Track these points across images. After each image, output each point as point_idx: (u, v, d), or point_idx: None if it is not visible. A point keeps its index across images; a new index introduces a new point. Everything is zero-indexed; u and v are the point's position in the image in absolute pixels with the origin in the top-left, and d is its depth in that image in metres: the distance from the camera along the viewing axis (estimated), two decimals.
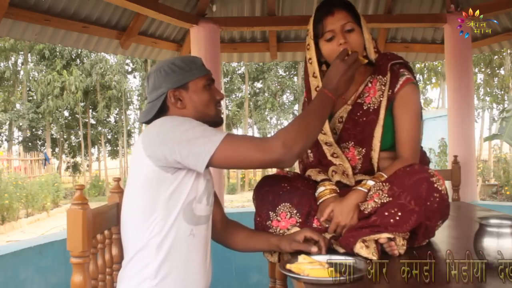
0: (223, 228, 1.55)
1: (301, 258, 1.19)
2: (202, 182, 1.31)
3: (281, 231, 1.45)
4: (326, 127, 1.52)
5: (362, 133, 1.49)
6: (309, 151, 1.63)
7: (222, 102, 1.47)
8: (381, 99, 1.46)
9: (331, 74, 1.32)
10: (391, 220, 1.25)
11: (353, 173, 1.52)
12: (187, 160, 1.19)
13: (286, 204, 1.46)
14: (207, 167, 1.20)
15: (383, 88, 1.47)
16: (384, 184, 1.33)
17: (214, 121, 1.39)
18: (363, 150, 1.50)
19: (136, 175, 1.28)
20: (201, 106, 1.35)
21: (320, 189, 1.47)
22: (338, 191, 1.47)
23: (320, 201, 1.45)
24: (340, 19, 1.44)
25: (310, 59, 1.52)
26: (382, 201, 1.30)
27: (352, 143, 1.52)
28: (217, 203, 1.54)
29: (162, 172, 1.23)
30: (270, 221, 1.46)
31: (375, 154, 1.48)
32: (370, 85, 1.50)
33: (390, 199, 1.28)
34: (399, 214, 1.25)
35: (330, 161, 1.54)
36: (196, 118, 1.32)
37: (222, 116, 1.44)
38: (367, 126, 1.47)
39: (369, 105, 1.49)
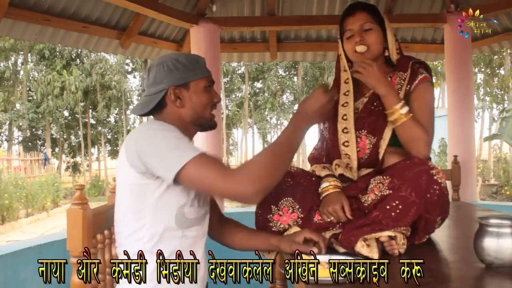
0: (220, 227, 1.54)
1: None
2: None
3: (281, 226, 1.46)
4: (350, 112, 1.57)
5: (376, 122, 1.53)
6: (317, 149, 1.69)
7: (219, 105, 1.47)
8: (399, 92, 1.52)
9: (311, 102, 1.28)
10: (392, 214, 1.27)
11: (358, 164, 1.54)
12: (157, 170, 1.17)
13: (288, 198, 1.48)
14: (175, 181, 1.16)
15: (402, 82, 1.54)
16: (384, 177, 1.36)
17: (209, 125, 1.38)
18: (374, 139, 1.53)
19: (122, 182, 1.28)
20: (199, 108, 1.34)
21: (324, 184, 1.49)
22: (342, 187, 1.48)
23: (323, 195, 1.46)
24: (360, 19, 1.55)
25: (340, 55, 1.65)
26: (383, 193, 1.32)
27: (365, 131, 1.55)
28: (213, 202, 1.53)
29: (144, 178, 1.21)
30: (271, 215, 1.48)
31: (383, 143, 1.50)
32: (389, 79, 1.56)
33: (390, 191, 1.30)
34: (400, 207, 1.27)
35: (338, 152, 1.57)
36: (192, 119, 1.33)
37: (215, 120, 1.41)
38: (381, 115, 1.51)
39: None
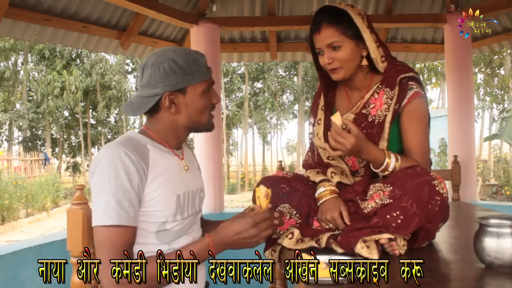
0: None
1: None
2: (171, 202, 1.25)
3: (280, 232, 1.45)
4: (320, 131, 1.53)
5: None
6: (309, 153, 1.66)
7: (218, 105, 1.40)
8: (387, 113, 1.45)
9: (235, 228, 1.21)
10: (393, 224, 1.25)
11: (356, 175, 1.52)
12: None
13: (285, 205, 1.46)
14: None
15: (390, 102, 1.45)
16: (385, 185, 1.33)
17: (206, 129, 1.34)
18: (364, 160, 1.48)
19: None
20: (195, 114, 1.27)
21: (320, 190, 1.47)
22: (338, 191, 1.47)
23: (320, 202, 1.45)
24: (326, 36, 1.43)
25: (316, 66, 1.58)
26: (383, 202, 1.30)
27: None
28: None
29: None
30: None
31: None
32: (376, 96, 1.49)
33: (391, 201, 1.28)
34: (401, 217, 1.25)
35: (329, 162, 1.54)
36: (187, 125, 1.29)
37: (213, 122, 1.34)
38: (370, 138, 1.42)
39: (374, 117, 1.47)
